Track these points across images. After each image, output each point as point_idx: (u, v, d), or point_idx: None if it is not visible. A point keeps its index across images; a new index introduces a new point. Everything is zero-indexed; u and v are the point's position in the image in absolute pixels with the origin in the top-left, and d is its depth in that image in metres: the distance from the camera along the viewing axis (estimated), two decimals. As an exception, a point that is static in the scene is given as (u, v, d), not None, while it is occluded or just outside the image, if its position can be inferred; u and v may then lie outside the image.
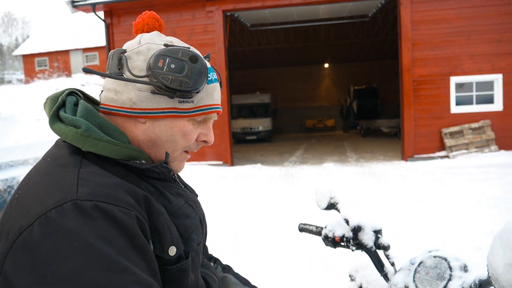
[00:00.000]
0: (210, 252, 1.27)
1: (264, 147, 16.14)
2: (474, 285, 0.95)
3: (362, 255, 1.36)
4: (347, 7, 14.02)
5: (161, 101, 0.85)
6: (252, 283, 1.24)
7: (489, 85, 9.98)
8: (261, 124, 18.75)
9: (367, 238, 1.26)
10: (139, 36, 0.91)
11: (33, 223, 0.67)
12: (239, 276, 1.23)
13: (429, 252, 1.12)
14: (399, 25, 10.06)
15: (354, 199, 6.22)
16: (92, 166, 0.77)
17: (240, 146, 17.12)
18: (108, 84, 0.89)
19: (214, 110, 0.92)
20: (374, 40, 21.11)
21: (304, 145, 16.28)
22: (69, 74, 27.86)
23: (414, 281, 1.09)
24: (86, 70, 0.86)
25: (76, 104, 0.88)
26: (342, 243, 1.32)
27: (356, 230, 1.27)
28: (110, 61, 0.87)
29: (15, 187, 3.66)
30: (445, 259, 1.06)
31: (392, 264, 1.27)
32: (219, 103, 0.95)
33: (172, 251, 0.80)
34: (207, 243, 1.20)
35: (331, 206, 1.36)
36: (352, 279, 1.64)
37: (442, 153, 9.98)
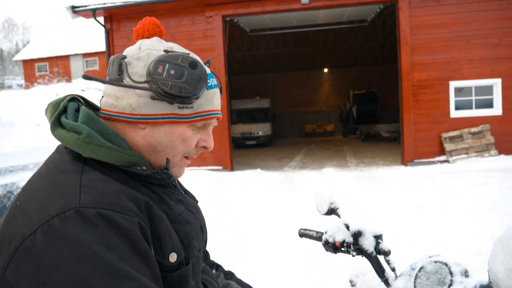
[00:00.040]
0: (210, 254, 1.26)
1: (263, 152, 16.14)
2: (475, 290, 0.95)
3: (362, 261, 1.35)
4: (346, 12, 14.09)
5: (161, 107, 0.85)
6: (253, 285, 1.24)
7: (488, 89, 10.00)
8: (261, 129, 18.76)
9: (368, 244, 1.26)
10: (139, 42, 0.91)
11: (36, 230, 0.67)
12: (242, 283, 1.23)
13: (430, 257, 1.12)
14: (398, 30, 10.10)
15: (354, 204, 6.21)
16: (94, 172, 0.77)
17: (240, 151, 17.11)
18: (108, 90, 0.89)
19: (213, 116, 0.92)
20: (373, 45, 21.18)
21: (303, 150, 16.28)
22: (69, 79, 27.90)
23: (415, 286, 1.09)
24: (86, 77, 0.86)
25: (77, 110, 0.88)
26: (343, 249, 1.32)
27: (357, 235, 1.26)
28: (111, 67, 0.87)
29: (15, 193, 3.65)
30: (446, 264, 1.06)
31: (393, 270, 1.27)
32: (219, 108, 0.95)
33: (173, 257, 0.80)
34: (208, 249, 1.19)
35: (331, 211, 1.36)
36: (352, 284, 1.63)
37: (442, 157, 9.99)
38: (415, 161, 10.07)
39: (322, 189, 1.43)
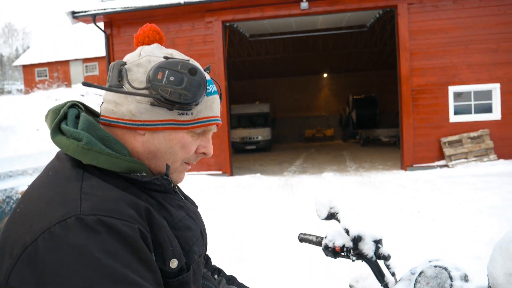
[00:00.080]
0: (208, 256, 1.26)
1: (263, 157, 16.14)
2: (474, 295, 0.95)
3: (362, 265, 1.35)
4: (345, 18, 14.14)
5: (160, 113, 0.85)
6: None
7: (487, 94, 10.03)
8: (261, 134, 18.76)
9: (368, 248, 1.26)
10: (139, 48, 0.91)
11: (37, 238, 0.67)
12: (244, 287, 1.23)
13: (430, 261, 1.12)
14: (397, 35, 10.14)
15: (354, 208, 6.21)
16: (94, 179, 0.77)
17: (239, 156, 17.11)
18: (108, 96, 0.89)
19: (213, 122, 0.92)
20: (372, 50, 21.24)
21: (303, 155, 16.28)
22: (68, 84, 27.93)
23: (414, 291, 1.09)
24: (86, 84, 0.86)
25: (77, 117, 0.88)
26: (343, 253, 1.32)
27: (357, 240, 1.26)
28: (111, 73, 0.87)
29: (14, 198, 3.63)
30: (446, 269, 1.06)
31: (393, 274, 1.27)
32: (219, 115, 0.95)
33: (174, 263, 0.81)
34: (208, 254, 1.19)
35: (331, 216, 1.36)
36: (352, 289, 1.63)
37: (441, 162, 9.99)
38: (414, 165, 10.08)
39: (322, 194, 1.43)
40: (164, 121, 0.86)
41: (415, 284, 1.10)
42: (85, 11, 10.64)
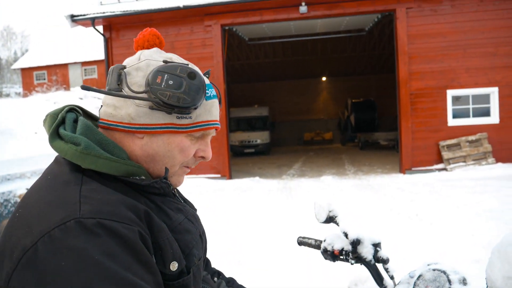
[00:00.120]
0: (208, 259, 1.26)
1: (262, 160, 16.14)
2: (473, 298, 0.95)
3: (361, 269, 1.35)
4: (344, 22, 14.18)
5: (159, 117, 0.86)
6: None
7: (485, 98, 10.06)
8: (259, 137, 18.77)
9: (366, 252, 1.26)
10: (139, 52, 0.92)
11: (37, 242, 0.67)
12: None
13: (428, 265, 1.12)
14: (396, 39, 10.17)
15: (353, 212, 6.21)
16: (93, 183, 0.77)
17: (238, 159, 17.10)
18: (107, 100, 0.89)
19: (212, 126, 0.92)
20: (371, 54, 21.31)
21: (302, 158, 16.28)
22: (67, 88, 27.91)
23: (413, 294, 1.09)
24: (85, 88, 0.86)
25: (75, 121, 0.88)
26: (341, 257, 1.32)
27: (355, 243, 1.27)
28: (110, 77, 0.87)
29: (12, 201, 3.62)
30: (444, 272, 1.06)
31: (392, 278, 1.27)
32: (218, 119, 0.95)
33: (174, 266, 0.81)
34: (209, 258, 1.19)
35: (330, 219, 1.36)
36: (351, 293, 1.62)
37: (440, 165, 10.00)
38: (413, 169, 10.09)
39: (321, 197, 1.43)
40: (163, 124, 0.86)
41: (414, 287, 1.10)
42: (84, 15, 10.65)
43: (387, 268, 1.27)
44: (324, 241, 1.38)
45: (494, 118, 9.99)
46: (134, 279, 0.67)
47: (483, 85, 9.92)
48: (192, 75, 0.84)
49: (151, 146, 0.87)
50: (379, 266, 1.30)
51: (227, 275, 1.29)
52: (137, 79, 0.86)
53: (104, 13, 10.55)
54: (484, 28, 9.83)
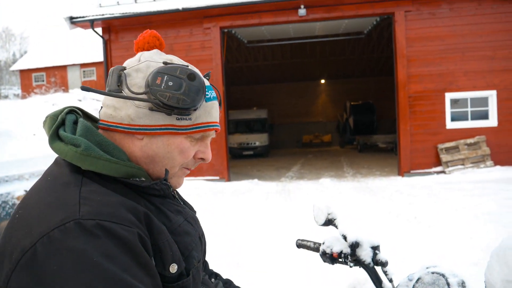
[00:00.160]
0: (206, 261, 1.26)
1: (261, 162, 16.14)
2: (472, 301, 0.95)
3: (360, 272, 1.35)
4: (342, 24, 14.22)
5: (159, 118, 0.86)
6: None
7: (484, 101, 10.08)
8: (258, 140, 18.78)
9: (365, 254, 1.26)
10: (139, 54, 0.92)
11: (36, 243, 0.67)
12: None
13: (427, 268, 1.12)
14: (394, 42, 10.20)
15: (352, 214, 6.21)
16: (93, 184, 0.77)
17: (237, 161, 17.10)
18: (107, 101, 0.89)
19: (211, 127, 0.92)
20: (369, 57, 21.36)
21: (301, 161, 16.29)
22: (66, 90, 27.89)
23: (412, 297, 1.09)
24: (85, 89, 0.86)
25: (75, 123, 0.88)
26: (340, 259, 1.32)
27: (354, 246, 1.26)
28: (110, 78, 0.88)
29: (10, 203, 3.60)
30: (443, 275, 1.06)
31: (390, 281, 1.27)
32: (217, 120, 0.95)
33: (173, 268, 0.81)
34: (207, 260, 1.19)
35: (329, 222, 1.36)
36: (350, 295, 1.62)
37: (438, 168, 10.02)
38: (411, 171, 10.10)
39: (320, 200, 1.43)
40: (162, 126, 0.86)
41: (412, 290, 1.10)
42: (83, 17, 10.66)
43: (386, 271, 1.27)
44: (323, 243, 1.38)
45: (492, 121, 10.01)
46: (132, 281, 0.67)
47: (481, 88, 9.95)
48: (192, 76, 0.84)
49: (150, 147, 0.87)
50: (378, 269, 1.30)
51: (225, 277, 1.29)
52: (137, 80, 0.86)
53: (103, 15, 10.56)
54: (482, 32, 9.87)
